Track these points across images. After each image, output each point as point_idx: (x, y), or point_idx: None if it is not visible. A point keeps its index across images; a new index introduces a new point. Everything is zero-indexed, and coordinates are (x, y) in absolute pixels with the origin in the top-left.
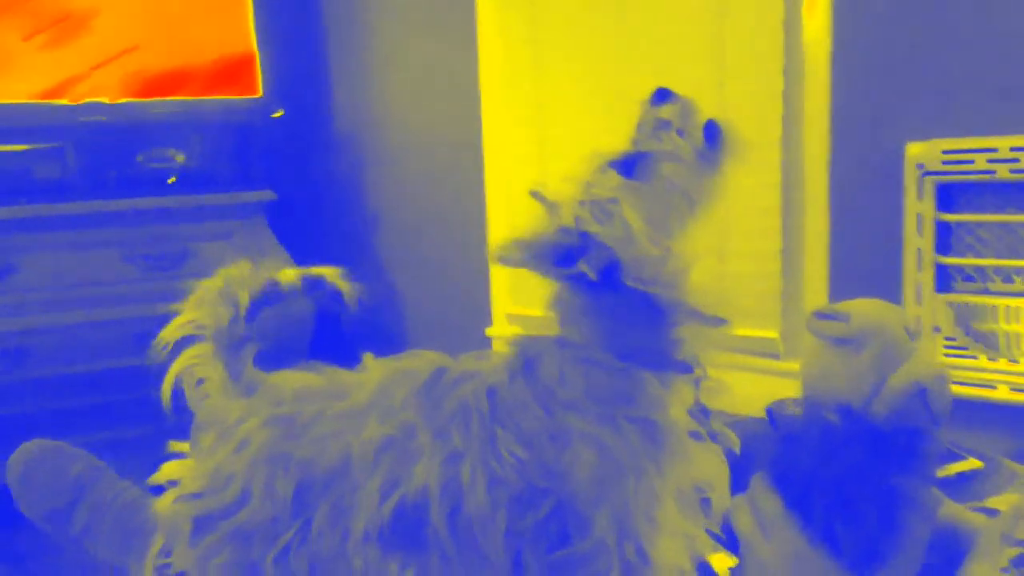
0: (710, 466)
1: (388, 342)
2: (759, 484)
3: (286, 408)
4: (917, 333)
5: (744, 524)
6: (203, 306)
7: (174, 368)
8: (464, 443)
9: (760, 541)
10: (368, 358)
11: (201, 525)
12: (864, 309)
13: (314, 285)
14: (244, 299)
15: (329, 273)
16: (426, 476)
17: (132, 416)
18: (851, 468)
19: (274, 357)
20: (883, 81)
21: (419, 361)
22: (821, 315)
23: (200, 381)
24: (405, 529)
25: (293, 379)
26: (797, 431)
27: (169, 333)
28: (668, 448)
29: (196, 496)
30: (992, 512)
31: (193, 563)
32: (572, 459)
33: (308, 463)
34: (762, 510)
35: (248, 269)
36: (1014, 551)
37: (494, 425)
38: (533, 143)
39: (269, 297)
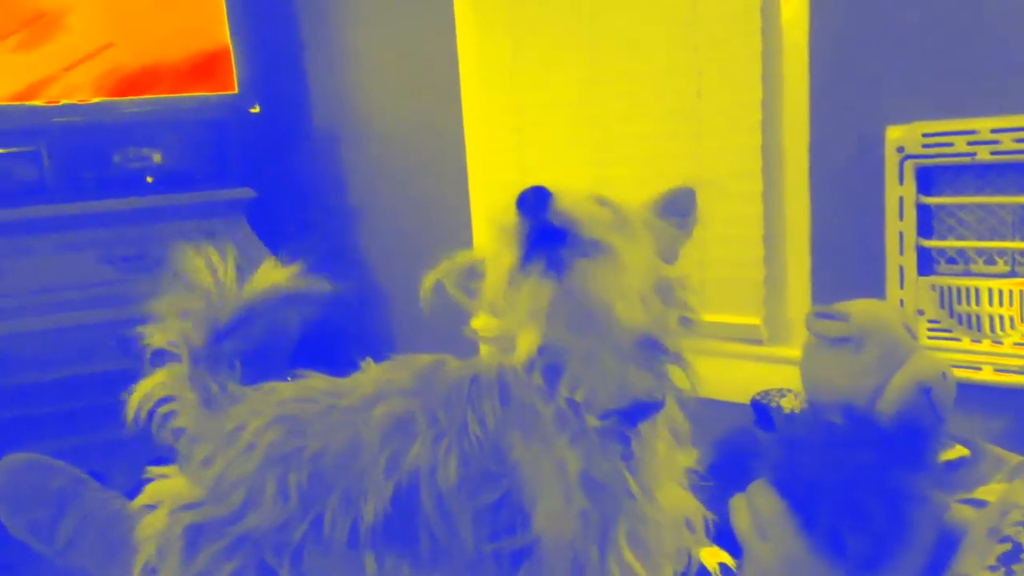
0: (686, 506)
1: (374, 339)
2: (759, 485)
3: (291, 407)
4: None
5: (742, 524)
6: (176, 324)
7: (142, 388)
8: (447, 424)
9: (758, 542)
10: (368, 362)
11: (200, 535)
12: (864, 308)
13: (293, 298)
14: (223, 317)
15: (302, 279)
16: (417, 457)
17: (111, 421)
18: (858, 470)
19: (257, 366)
20: (862, 64)
21: (421, 358)
22: (821, 315)
23: (166, 399)
24: (401, 514)
25: (290, 385)
26: (800, 433)
27: (149, 342)
28: (640, 473)
29: (193, 507)
30: (980, 504)
31: (192, 574)
32: (519, 453)
33: (318, 455)
34: (760, 511)
35: (225, 285)
36: (1002, 547)
37: (467, 405)
38: (514, 133)
39: (250, 313)
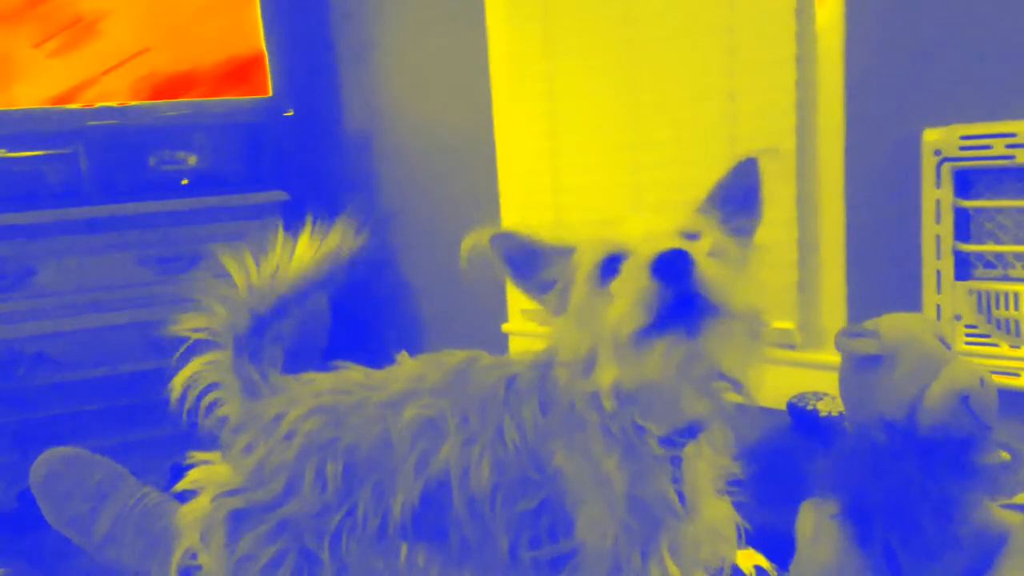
0: (722, 515)
1: (405, 341)
2: (823, 495)
3: (328, 398)
4: (951, 341)
5: (806, 531)
6: (219, 314)
7: (184, 373)
8: (479, 427)
9: (810, 547)
10: (403, 355)
11: (243, 519)
12: (893, 323)
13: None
14: (265, 306)
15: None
16: (447, 458)
17: (149, 419)
18: (902, 482)
19: (291, 357)
20: (898, 67)
21: (454, 355)
22: (850, 334)
23: (211, 387)
24: (432, 511)
25: (327, 376)
26: (847, 452)
27: (183, 332)
28: (683, 490)
29: (236, 492)
30: (1023, 509)
31: (236, 558)
32: (560, 461)
33: (352, 448)
34: (819, 520)
35: (266, 275)
36: None
37: (503, 411)
38: (544, 137)
39: (289, 300)
